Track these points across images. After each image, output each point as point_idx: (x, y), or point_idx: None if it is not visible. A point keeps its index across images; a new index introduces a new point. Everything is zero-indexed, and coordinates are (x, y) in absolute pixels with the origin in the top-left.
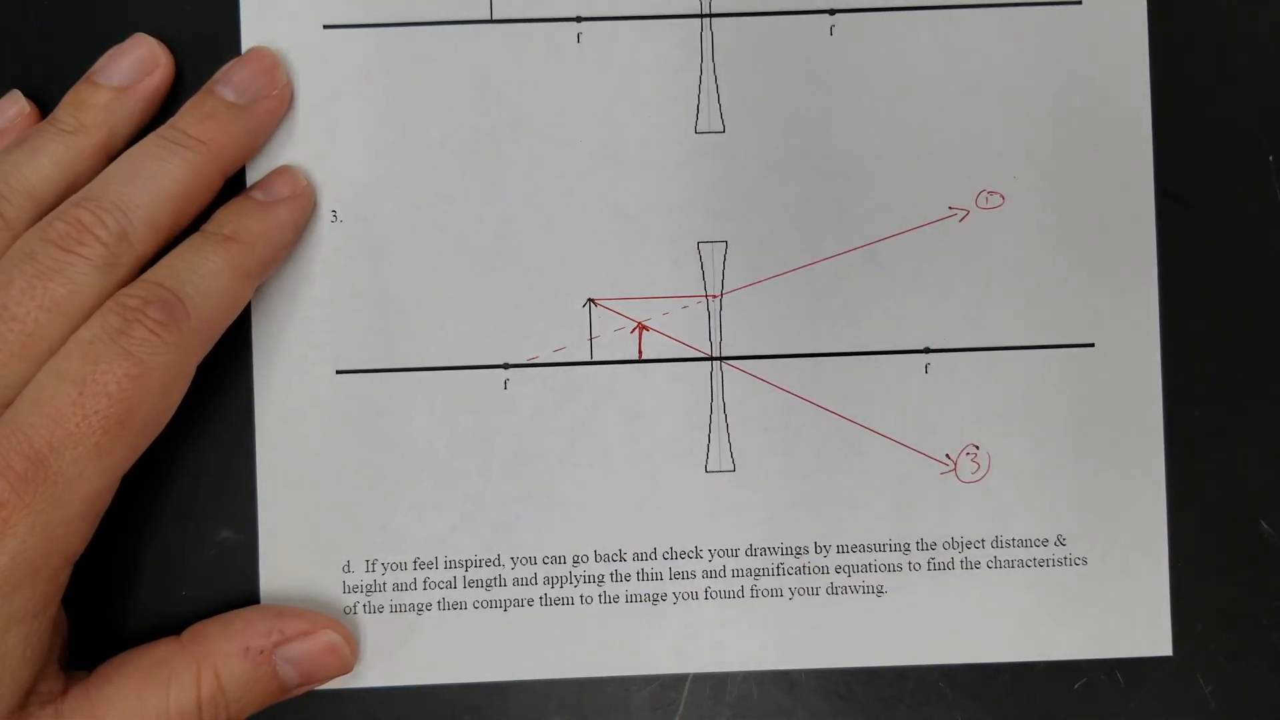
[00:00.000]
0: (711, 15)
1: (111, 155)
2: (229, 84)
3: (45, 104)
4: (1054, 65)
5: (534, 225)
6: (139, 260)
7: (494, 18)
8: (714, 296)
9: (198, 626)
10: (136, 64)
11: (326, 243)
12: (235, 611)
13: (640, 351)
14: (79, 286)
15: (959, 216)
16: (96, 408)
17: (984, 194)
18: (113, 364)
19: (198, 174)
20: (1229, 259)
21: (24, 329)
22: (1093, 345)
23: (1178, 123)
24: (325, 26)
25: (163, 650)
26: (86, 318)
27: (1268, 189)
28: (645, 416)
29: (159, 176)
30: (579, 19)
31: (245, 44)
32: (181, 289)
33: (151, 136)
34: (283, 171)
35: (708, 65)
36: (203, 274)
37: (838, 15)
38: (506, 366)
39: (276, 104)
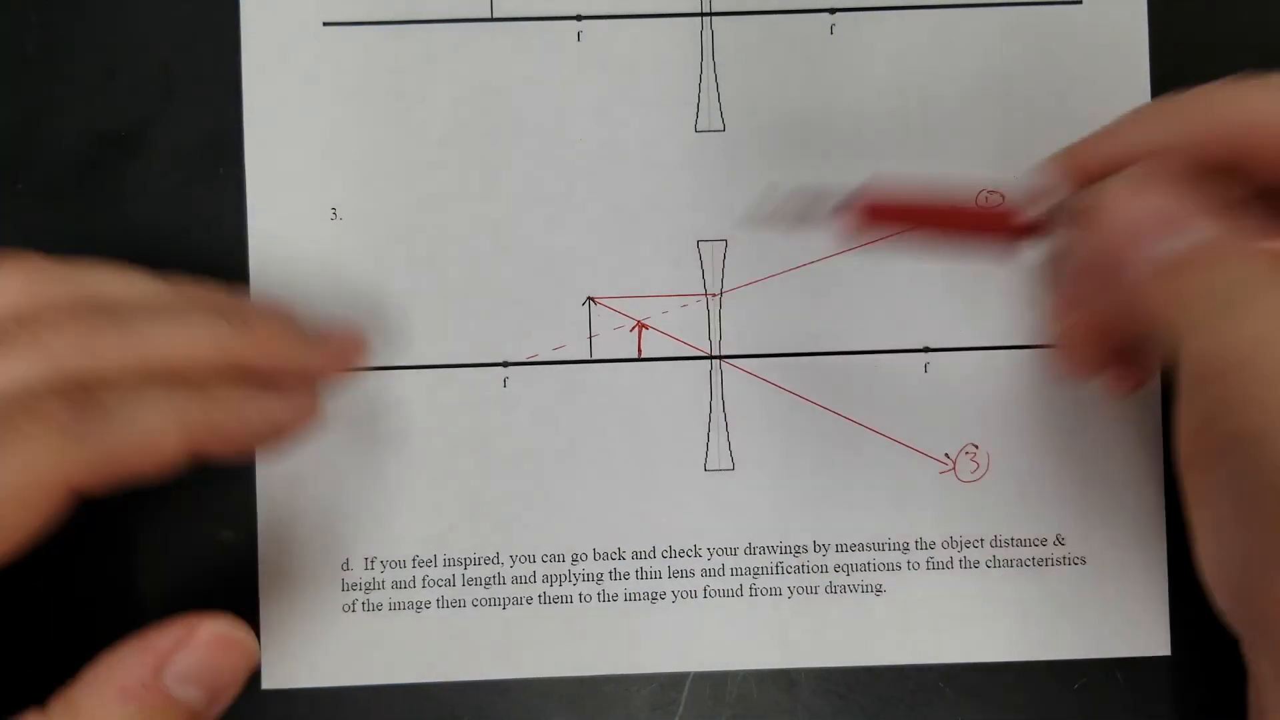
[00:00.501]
0: (712, 14)
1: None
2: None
3: (47, 106)
4: (1054, 65)
5: (534, 223)
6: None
7: (494, 16)
8: (713, 295)
9: (62, 693)
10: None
11: (326, 240)
12: (95, 661)
13: (640, 350)
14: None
15: None
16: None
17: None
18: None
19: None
20: None
21: None
22: None
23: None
24: (325, 24)
25: None
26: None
27: None
28: (644, 415)
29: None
30: (579, 17)
31: (245, 41)
32: (106, 403)
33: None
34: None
35: (708, 64)
36: (141, 402)
37: (838, 14)
38: (506, 365)
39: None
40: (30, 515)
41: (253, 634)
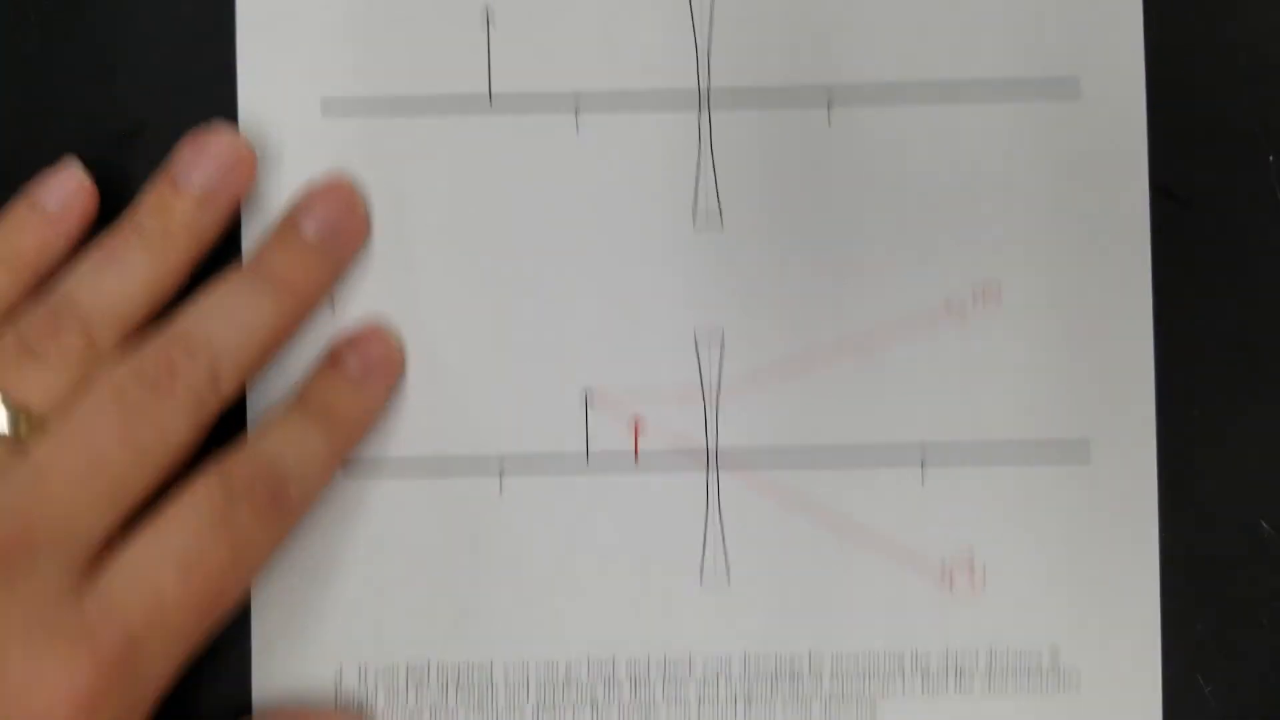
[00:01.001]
0: (710, 108)
1: (196, 266)
2: (312, 220)
3: (46, 106)
4: (1053, 159)
5: (530, 314)
6: (225, 404)
7: (492, 107)
8: (711, 390)
9: None
10: (219, 167)
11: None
12: None
13: (636, 447)
14: (168, 432)
15: (956, 310)
16: (195, 589)
17: (981, 289)
18: (216, 546)
19: (287, 319)
20: (1233, 357)
21: (114, 474)
22: (1088, 443)
23: (1179, 213)
24: (324, 113)
25: None
26: (173, 462)
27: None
28: (641, 525)
29: (250, 321)
30: (578, 109)
31: (243, 124)
32: (287, 471)
33: (242, 274)
34: (373, 338)
35: (705, 157)
36: (305, 456)
37: (835, 109)
38: (502, 459)
39: (358, 240)
40: (253, 579)
41: None
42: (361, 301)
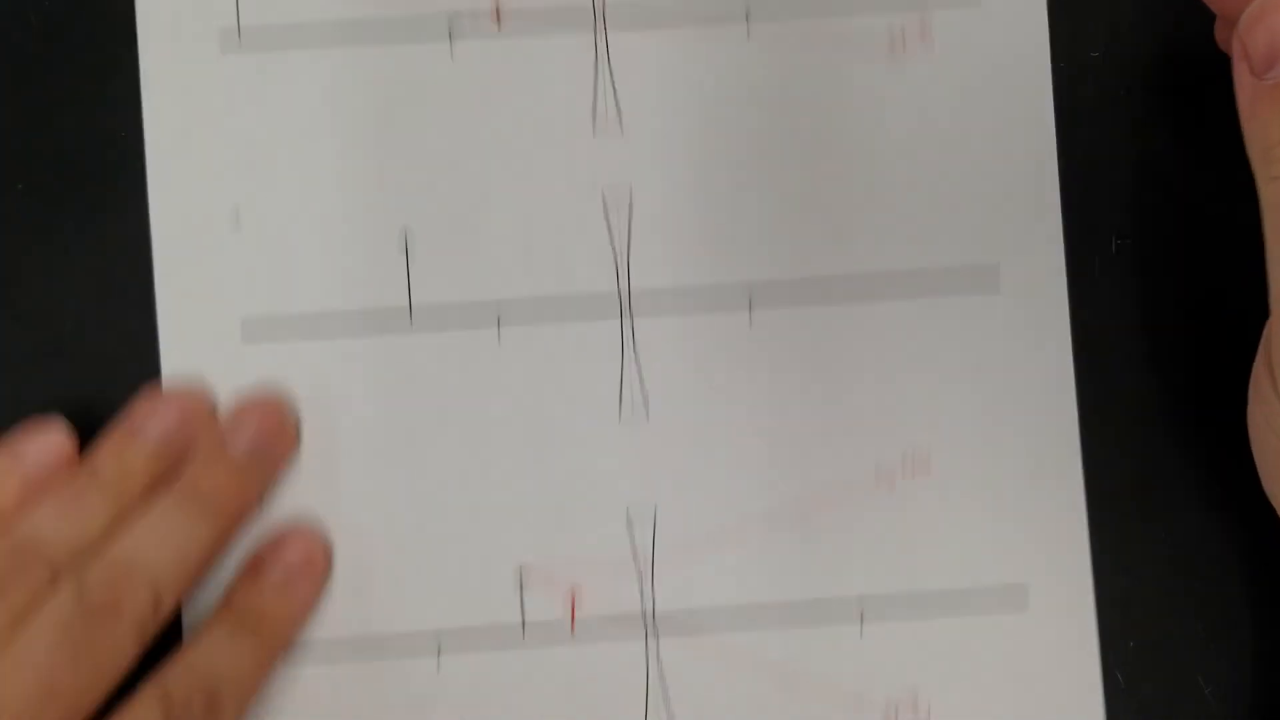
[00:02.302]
0: (632, 315)
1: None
2: (243, 439)
3: (46, 113)
4: (975, 349)
5: (463, 497)
6: (164, 624)
7: (413, 323)
8: (645, 561)
9: None
10: (180, 418)
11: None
12: None
13: (573, 617)
14: (116, 657)
15: (886, 477)
16: None
17: (910, 455)
18: None
19: (221, 538)
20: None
21: (66, 703)
22: (1025, 590)
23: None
24: (245, 339)
25: None
26: (118, 682)
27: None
28: (580, 697)
29: (186, 545)
30: (499, 321)
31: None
32: (220, 682)
33: (174, 496)
34: (295, 541)
35: (629, 359)
36: (238, 664)
37: (756, 311)
38: (439, 634)
39: (288, 454)
40: None
41: None
42: (289, 493)
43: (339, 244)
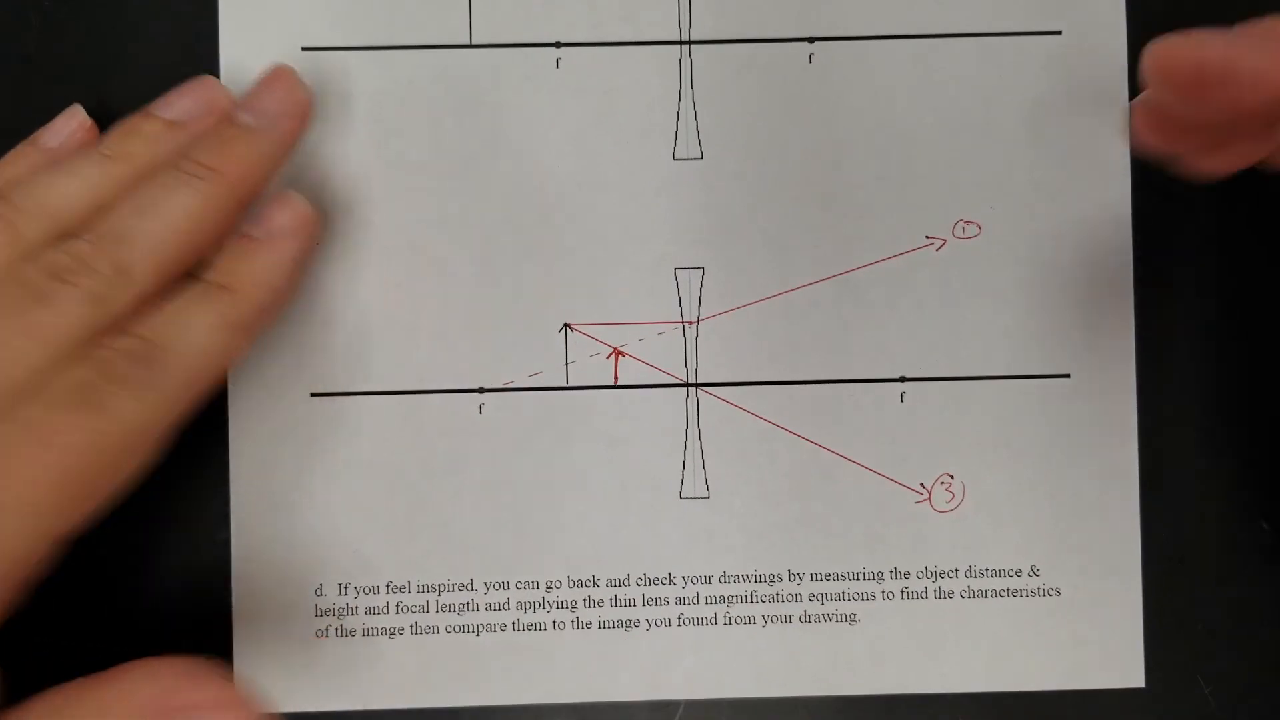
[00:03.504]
0: (691, 42)
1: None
2: (247, 108)
3: (46, 113)
4: (1032, 95)
5: (511, 250)
6: (140, 297)
7: (473, 42)
8: (690, 323)
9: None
10: (197, 103)
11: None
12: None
13: (616, 377)
14: (65, 317)
15: (936, 246)
16: (48, 463)
17: (961, 224)
18: (75, 417)
19: (211, 205)
20: (1207, 293)
21: (2, 356)
22: (1068, 376)
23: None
24: (304, 49)
25: None
26: (67, 349)
27: (1241, 218)
28: (620, 442)
29: (168, 208)
30: (558, 44)
31: (224, 64)
32: (167, 342)
33: (164, 167)
34: (282, 201)
35: (686, 92)
36: (192, 327)
37: (816, 43)
38: (482, 391)
39: (297, 125)
40: (144, 462)
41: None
42: (341, 235)
43: None
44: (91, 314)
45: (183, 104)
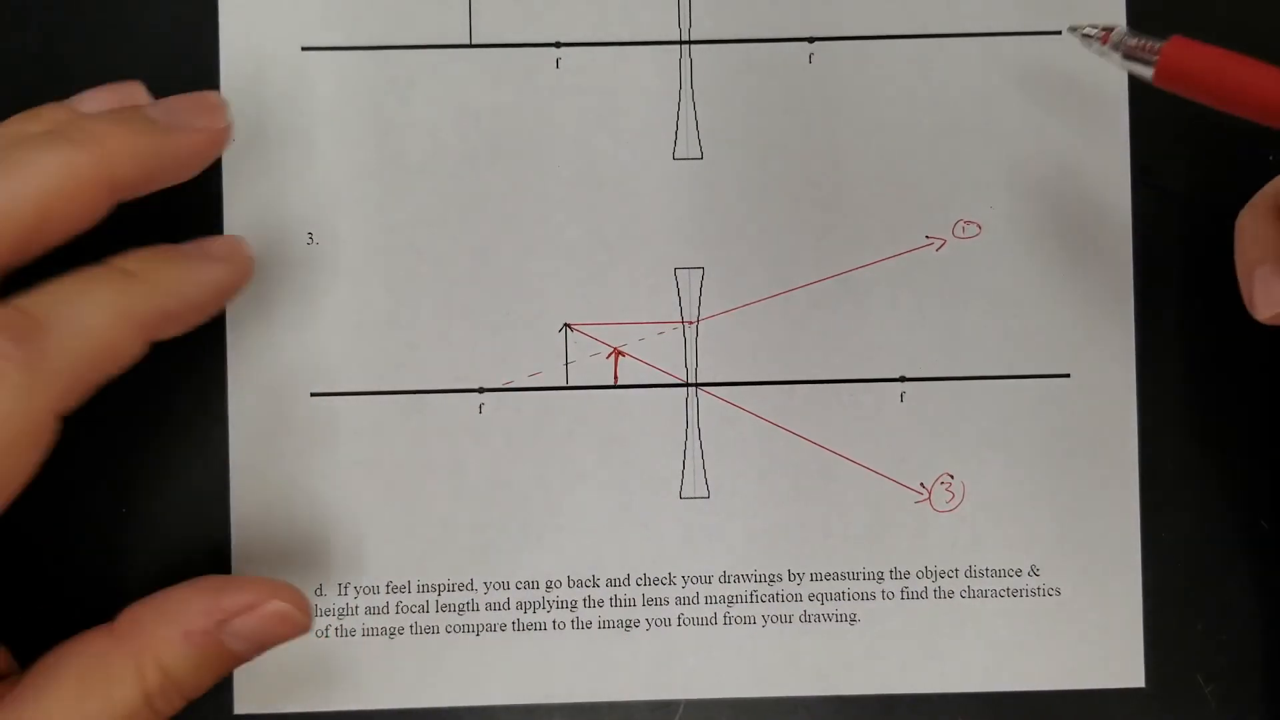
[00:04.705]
0: (691, 42)
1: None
2: (160, 104)
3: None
4: (1033, 95)
5: (511, 250)
6: (13, 267)
7: (473, 42)
8: (690, 323)
9: (132, 611)
10: (114, 98)
11: (302, 265)
12: (169, 591)
13: (616, 377)
14: None
15: (936, 245)
16: None
17: (961, 224)
18: None
19: (76, 176)
20: (1207, 293)
21: None
22: (1069, 376)
23: (1156, 154)
24: (304, 49)
25: (98, 644)
26: None
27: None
28: (620, 442)
29: (27, 167)
30: (558, 44)
31: (224, 65)
32: (47, 319)
33: (45, 130)
34: (226, 238)
35: (686, 92)
36: (81, 307)
37: (816, 43)
38: (481, 390)
39: (200, 143)
40: (29, 454)
41: (310, 612)
42: (341, 237)
43: None
44: None
45: (101, 97)
